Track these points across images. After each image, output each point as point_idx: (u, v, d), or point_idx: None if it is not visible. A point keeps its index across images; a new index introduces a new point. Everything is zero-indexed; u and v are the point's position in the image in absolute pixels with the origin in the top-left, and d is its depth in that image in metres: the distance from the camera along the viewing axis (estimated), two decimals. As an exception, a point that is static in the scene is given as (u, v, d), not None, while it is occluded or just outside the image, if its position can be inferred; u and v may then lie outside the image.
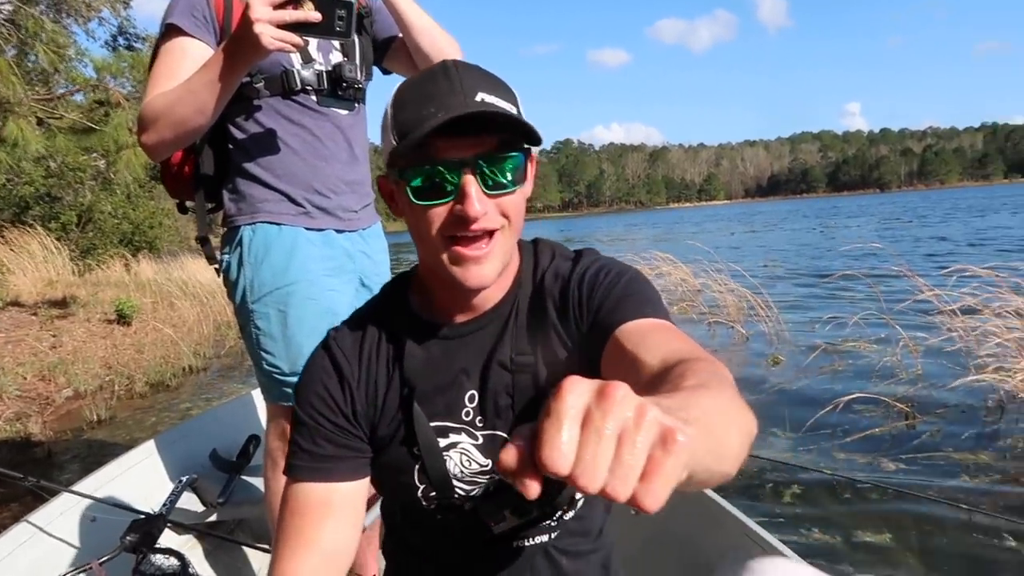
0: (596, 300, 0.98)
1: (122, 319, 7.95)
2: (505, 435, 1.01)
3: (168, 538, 2.10)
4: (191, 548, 2.37)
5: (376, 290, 1.99)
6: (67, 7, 7.89)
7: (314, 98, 1.76)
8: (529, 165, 0.95)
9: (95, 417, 5.03)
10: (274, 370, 1.75)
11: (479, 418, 1.02)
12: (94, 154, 13.02)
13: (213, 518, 2.33)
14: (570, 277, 1.01)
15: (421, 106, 0.87)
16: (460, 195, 0.88)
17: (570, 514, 1.08)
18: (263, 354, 1.76)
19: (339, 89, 1.79)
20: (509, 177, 0.90)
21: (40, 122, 8.72)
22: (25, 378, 5.69)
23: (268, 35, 1.42)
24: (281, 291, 1.73)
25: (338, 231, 1.84)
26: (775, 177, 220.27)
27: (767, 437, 3.92)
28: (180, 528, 2.22)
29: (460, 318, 1.02)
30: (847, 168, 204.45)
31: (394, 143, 0.89)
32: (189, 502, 2.31)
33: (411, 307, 1.05)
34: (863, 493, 3.16)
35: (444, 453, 1.02)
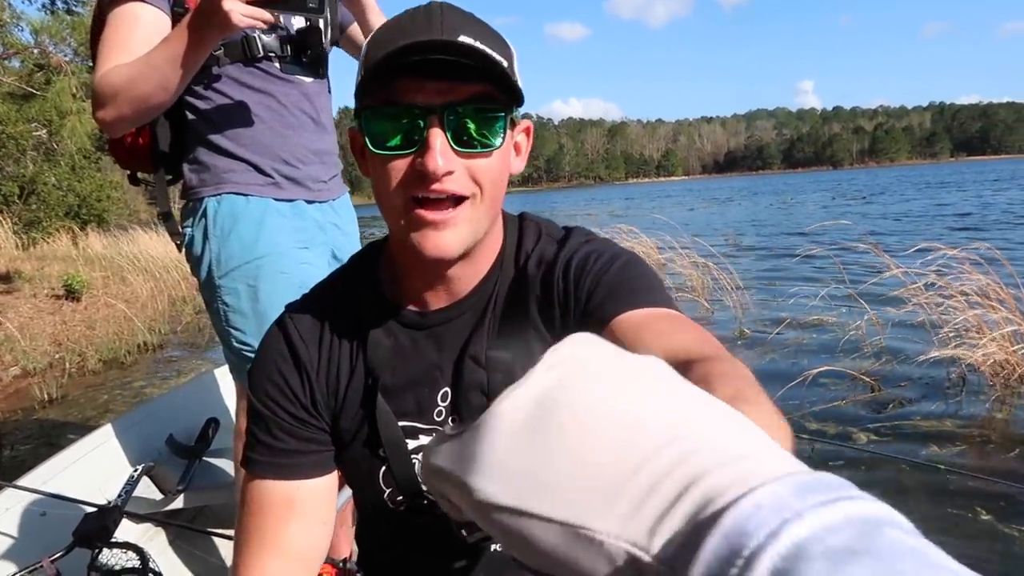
0: (584, 290, 0.85)
1: (71, 295, 7.64)
2: None
3: (125, 530, 2.00)
4: (150, 539, 2.27)
5: None
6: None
7: (277, 65, 1.67)
8: (510, 130, 0.82)
9: (45, 396, 4.83)
10: (244, 347, 1.67)
11: (452, 418, 0.91)
12: (34, 123, 12.49)
13: (173, 506, 2.23)
14: (554, 263, 0.89)
15: (391, 41, 0.75)
16: (423, 147, 0.75)
17: None
18: (232, 331, 1.68)
19: (303, 55, 1.69)
20: (485, 135, 0.78)
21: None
22: (-34, 357, 5.44)
23: (238, 12, 1.36)
24: (250, 265, 1.65)
25: (308, 202, 1.76)
26: (732, 153, 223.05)
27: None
28: (137, 519, 2.12)
29: (433, 304, 0.90)
30: (801, 145, 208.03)
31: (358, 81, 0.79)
32: (147, 491, 2.21)
33: (379, 285, 0.93)
34: (835, 461, 3.18)
35: (413, 456, 0.92)
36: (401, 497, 0.94)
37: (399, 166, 0.77)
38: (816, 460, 3.18)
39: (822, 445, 3.23)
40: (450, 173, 0.76)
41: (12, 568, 1.74)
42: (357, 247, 1.94)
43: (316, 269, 1.72)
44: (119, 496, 1.95)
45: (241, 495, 0.91)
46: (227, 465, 2.36)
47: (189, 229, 1.70)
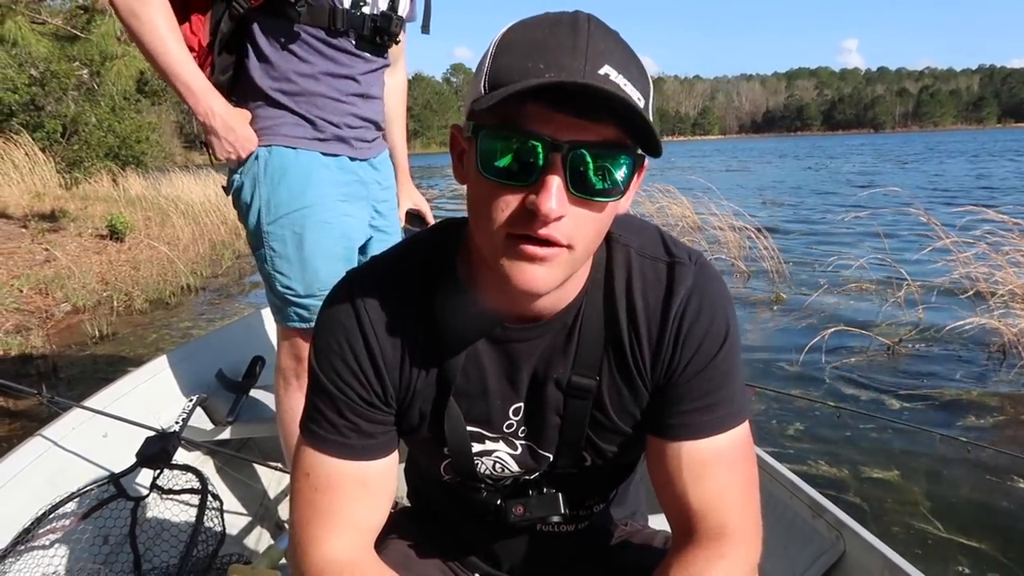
0: (682, 367, 0.85)
1: (115, 235, 7.81)
2: (547, 454, 0.93)
3: (180, 455, 2.10)
4: (201, 464, 2.37)
5: (389, 217, 1.97)
6: None
7: (353, 41, 1.72)
8: (635, 177, 0.76)
9: (96, 332, 4.97)
10: (287, 291, 1.74)
11: (522, 430, 0.92)
12: (76, 63, 12.59)
13: (222, 436, 2.32)
14: (667, 316, 0.85)
15: (528, 56, 0.68)
16: (538, 184, 0.69)
17: (600, 506, 1.05)
18: (277, 275, 1.75)
19: (378, 37, 1.74)
20: (606, 183, 0.71)
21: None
22: (22, 291, 5.60)
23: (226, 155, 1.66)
24: (298, 213, 1.71)
25: (351, 159, 1.82)
26: (770, 113, 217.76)
27: (771, 372, 3.96)
28: (191, 445, 2.22)
29: (516, 318, 0.86)
30: (842, 107, 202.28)
31: (481, 92, 0.70)
32: (199, 420, 2.30)
33: (458, 284, 0.87)
34: (866, 429, 3.19)
35: (476, 458, 0.94)
36: (459, 480, 0.97)
37: (507, 197, 0.72)
38: (842, 425, 3.20)
39: (848, 408, 3.22)
40: (560, 218, 0.70)
41: (80, 482, 1.85)
42: (395, 200, 2.01)
43: (357, 221, 1.80)
44: (176, 423, 2.05)
45: (300, 465, 0.90)
46: (271, 400, 2.45)
47: (238, 176, 1.75)
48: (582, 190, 0.71)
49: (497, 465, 0.95)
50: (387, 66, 1.88)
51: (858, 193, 11.47)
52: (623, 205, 0.79)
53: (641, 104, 0.69)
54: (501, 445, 0.93)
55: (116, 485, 1.80)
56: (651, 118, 0.70)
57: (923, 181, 17.79)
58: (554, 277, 0.74)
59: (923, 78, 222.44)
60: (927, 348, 4.32)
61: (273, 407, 2.38)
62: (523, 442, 0.93)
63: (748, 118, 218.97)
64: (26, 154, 10.99)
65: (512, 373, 0.89)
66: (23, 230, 7.64)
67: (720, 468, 0.85)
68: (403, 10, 1.81)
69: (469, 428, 0.92)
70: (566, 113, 0.67)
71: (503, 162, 0.70)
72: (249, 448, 2.58)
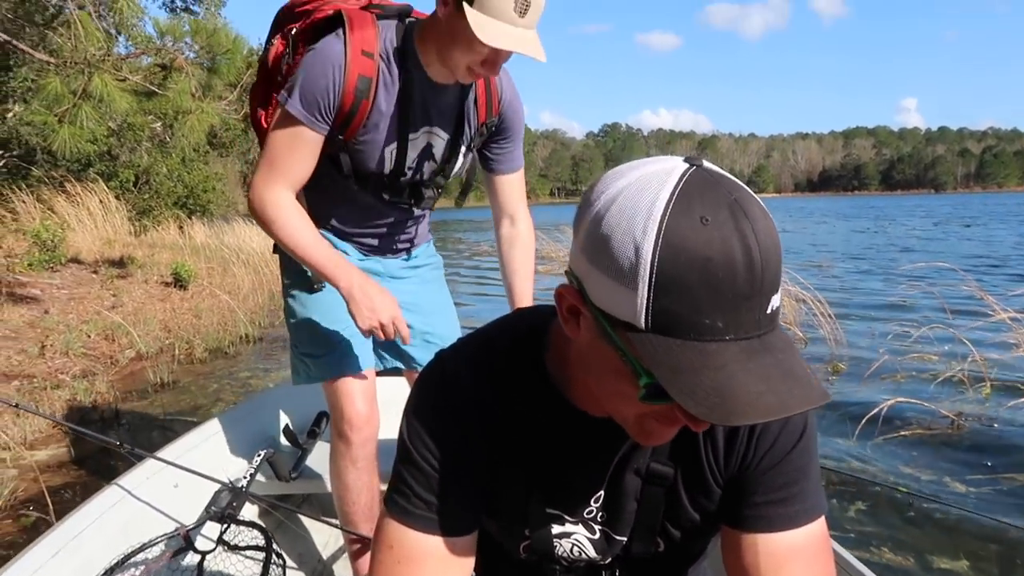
0: (758, 460, 0.86)
1: (179, 282, 8.11)
2: (623, 539, 0.96)
3: (245, 509, 2.15)
4: (263, 518, 2.43)
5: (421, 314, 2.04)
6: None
7: (386, 196, 1.85)
8: None
9: (158, 380, 5.12)
10: (296, 349, 1.96)
11: (601, 515, 0.95)
12: (151, 116, 13.27)
13: (285, 491, 2.37)
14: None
15: (701, 306, 0.62)
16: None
17: None
18: (291, 334, 1.98)
19: (413, 200, 1.88)
20: None
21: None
22: (89, 336, 5.84)
23: (364, 328, 1.70)
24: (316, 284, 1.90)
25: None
26: (827, 172, 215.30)
27: (831, 448, 3.85)
28: (256, 499, 2.28)
29: (598, 411, 0.88)
30: (902, 166, 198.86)
31: (641, 324, 0.64)
32: (264, 474, 2.36)
33: (548, 376, 0.90)
34: (932, 513, 3.07)
35: (555, 540, 0.97)
36: (535, 559, 1.00)
37: (658, 409, 0.71)
38: (907, 508, 3.09)
39: (914, 492, 3.09)
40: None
41: (152, 532, 1.91)
42: (433, 295, 2.11)
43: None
44: (244, 477, 2.11)
45: (384, 537, 0.92)
46: (332, 458, 2.51)
47: None
48: None
49: (575, 548, 0.97)
50: (424, 215, 2.02)
51: (917, 260, 11.22)
52: None
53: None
54: (580, 529, 0.95)
55: (185, 538, 1.86)
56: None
57: (983, 248, 17.30)
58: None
59: (986, 138, 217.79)
60: (994, 425, 4.15)
61: (335, 464, 2.45)
62: (601, 527, 0.95)
63: (803, 176, 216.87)
64: (100, 202, 11.55)
65: (594, 464, 0.92)
66: (94, 275, 7.99)
67: (797, 564, 0.85)
68: (457, 170, 1.90)
69: (549, 511, 0.94)
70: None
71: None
72: (310, 503, 2.63)
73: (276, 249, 1.95)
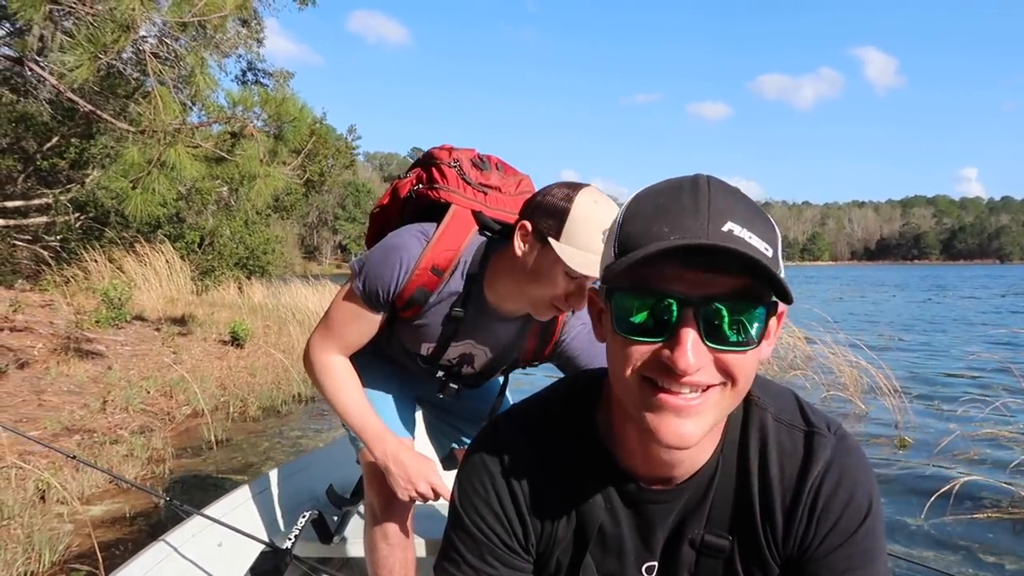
0: (818, 542, 0.83)
1: (235, 341, 8.29)
2: None
3: (288, 572, 2.12)
4: (305, 582, 2.39)
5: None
6: (207, 42, 8.46)
7: (421, 363, 1.92)
8: (773, 323, 0.77)
9: (212, 438, 5.18)
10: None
11: None
12: (218, 180, 13.87)
13: (327, 553, 2.34)
14: (802, 488, 0.84)
15: (652, 221, 0.73)
16: (672, 339, 0.71)
17: None
18: None
19: (444, 383, 1.94)
20: (740, 333, 0.73)
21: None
22: (149, 392, 5.98)
23: (403, 499, 1.77)
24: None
25: None
26: (884, 240, 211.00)
27: (898, 530, 3.62)
28: (298, 561, 2.24)
29: (652, 479, 0.87)
30: (963, 236, 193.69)
31: (612, 256, 0.76)
32: (307, 534, 2.33)
33: (598, 434, 0.90)
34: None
35: None
36: None
37: (643, 351, 0.74)
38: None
39: None
40: (698, 369, 0.72)
41: None
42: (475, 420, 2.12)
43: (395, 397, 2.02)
44: (289, 539, 2.08)
45: None
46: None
47: None
48: (717, 340, 0.72)
49: None
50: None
51: (988, 330, 10.77)
52: (764, 351, 0.78)
53: (769, 254, 0.72)
54: None
55: (228, 600, 1.83)
56: (780, 268, 0.72)
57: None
58: (703, 427, 0.75)
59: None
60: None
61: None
62: None
63: (860, 245, 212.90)
64: (166, 261, 12.01)
65: (647, 533, 0.90)
66: (156, 332, 8.24)
67: None
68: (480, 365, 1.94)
69: None
70: (695, 269, 0.71)
71: (638, 319, 0.74)
72: (350, 567, 2.58)
73: None
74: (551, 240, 1.46)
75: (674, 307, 0.71)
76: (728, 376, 0.74)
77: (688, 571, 0.89)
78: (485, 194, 1.76)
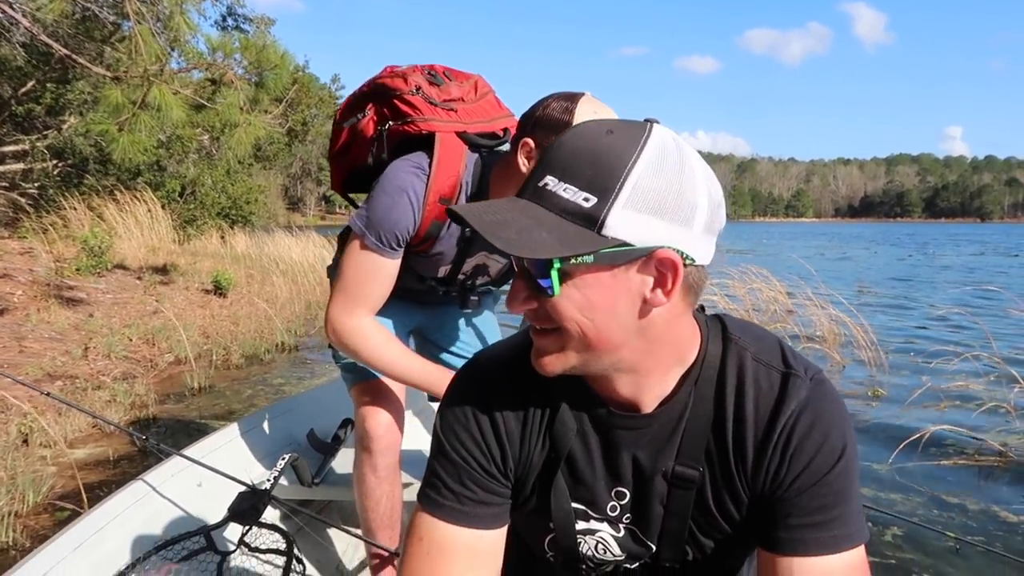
0: (789, 481, 0.85)
1: (218, 290, 8.26)
2: (652, 545, 0.95)
3: (267, 512, 2.15)
4: (284, 522, 2.42)
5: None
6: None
7: (441, 291, 1.93)
8: (578, 275, 0.78)
9: (195, 385, 5.20)
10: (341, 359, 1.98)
11: (626, 516, 0.95)
12: (199, 129, 13.61)
13: (307, 496, 2.37)
14: (772, 427, 0.86)
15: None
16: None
17: None
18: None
19: (461, 296, 1.94)
20: (540, 280, 0.79)
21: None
22: (131, 340, 5.97)
23: None
24: None
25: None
26: (868, 198, 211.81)
27: (866, 475, 3.72)
28: (277, 503, 2.27)
29: (624, 405, 0.90)
30: (946, 194, 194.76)
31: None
32: (287, 478, 2.36)
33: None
34: (977, 558, 2.92)
35: (579, 536, 0.96)
36: (561, 559, 0.99)
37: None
38: (950, 551, 2.94)
39: (969, 547, 2.86)
40: (533, 309, 0.82)
41: (174, 527, 1.92)
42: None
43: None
44: (268, 480, 2.10)
45: (414, 530, 0.94)
46: (356, 464, 2.50)
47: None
48: (534, 288, 0.80)
49: (599, 546, 0.96)
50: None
51: (963, 286, 10.93)
52: (576, 297, 0.79)
53: (587, 205, 0.75)
54: (605, 527, 0.95)
55: (207, 537, 1.86)
56: (607, 212, 0.74)
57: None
58: (553, 366, 0.84)
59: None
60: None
61: (358, 471, 2.44)
62: (627, 527, 0.95)
63: (844, 202, 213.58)
64: (148, 210, 11.85)
65: (614, 457, 0.92)
66: (138, 281, 8.18)
67: None
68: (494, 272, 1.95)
69: (574, 505, 0.94)
70: None
71: None
72: (331, 510, 2.62)
73: (330, 273, 1.99)
74: None
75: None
76: (563, 319, 0.81)
77: (660, 501, 0.91)
78: (455, 111, 1.74)
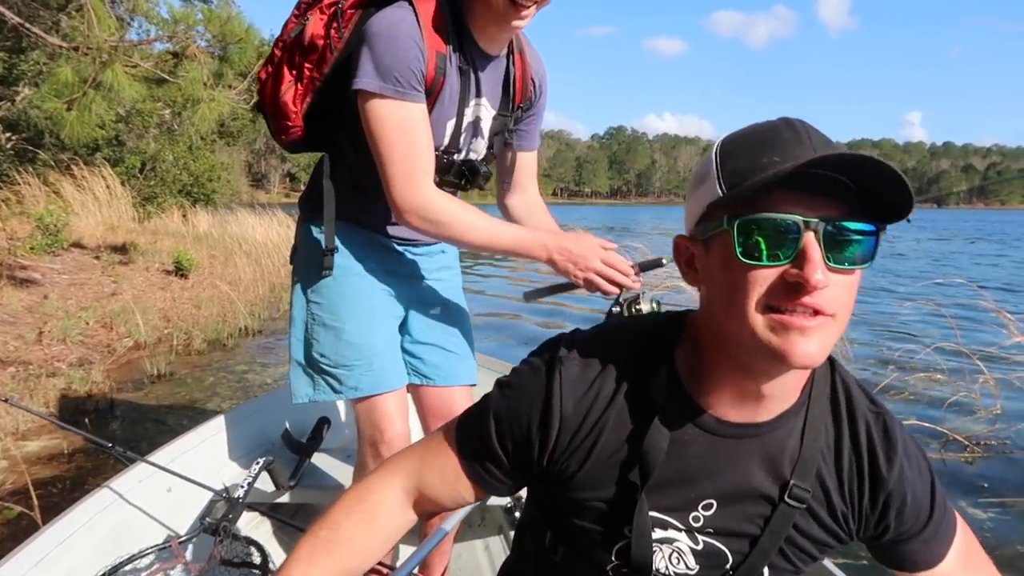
0: (900, 523, 0.91)
1: (180, 271, 8.05)
2: (729, 556, 0.92)
3: (241, 517, 2.09)
4: (257, 526, 2.36)
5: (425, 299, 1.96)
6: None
7: (436, 177, 1.69)
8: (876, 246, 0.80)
9: (155, 371, 5.05)
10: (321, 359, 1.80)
11: (710, 528, 0.90)
12: (159, 103, 13.23)
13: (281, 499, 2.30)
14: (886, 472, 0.89)
15: (758, 155, 0.77)
16: (799, 258, 0.74)
17: None
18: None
19: (463, 180, 1.77)
20: (856, 253, 0.77)
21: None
22: (88, 323, 5.78)
23: (595, 283, 1.59)
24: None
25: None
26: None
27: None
28: (249, 508, 2.20)
29: (733, 415, 0.87)
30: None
31: (719, 193, 0.78)
32: (261, 481, 2.29)
33: (676, 372, 0.90)
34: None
35: (655, 544, 0.92)
36: (626, 571, 0.94)
37: (766, 275, 0.76)
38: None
39: None
40: (826, 286, 0.75)
41: (143, 537, 1.84)
42: (455, 305, 2.01)
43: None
44: (241, 487, 2.03)
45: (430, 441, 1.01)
46: (335, 466, 2.43)
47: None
48: (838, 260, 0.75)
49: (674, 556, 0.92)
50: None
51: (925, 276, 11.16)
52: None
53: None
54: (683, 536, 0.92)
55: (177, 549, 1.79)
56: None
57: (991, 261, 17.22)
58: (821, 348, 0.77)
59: (991, 155, 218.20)
60: (1008, 445, 4.09)
61: (335, 474, 2.37)
62: (707, 540, 0.91)
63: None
64: (107, 187, 11.50)
65: (717, 470, 0.89)
66: (95, 261, 7.94)
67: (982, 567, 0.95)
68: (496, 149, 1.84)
69: (653, 514, 0.90)
70: (806, 194, 0.74)
71: (763, 244, 0.76)
72: (305, 513, 2.55)
73: (292, 259, 1.88)
74: None
75: (798, 230, 0.74)
76: (841, 302, 0.78)
77: (756, 519, 0.89)
78: None
